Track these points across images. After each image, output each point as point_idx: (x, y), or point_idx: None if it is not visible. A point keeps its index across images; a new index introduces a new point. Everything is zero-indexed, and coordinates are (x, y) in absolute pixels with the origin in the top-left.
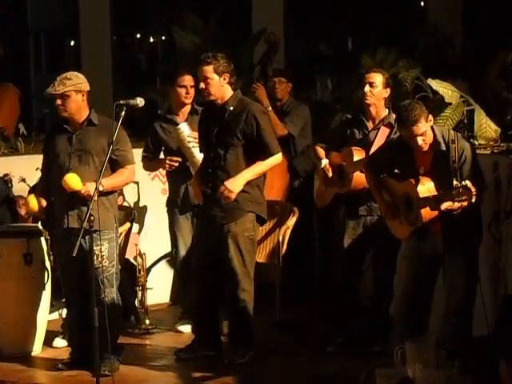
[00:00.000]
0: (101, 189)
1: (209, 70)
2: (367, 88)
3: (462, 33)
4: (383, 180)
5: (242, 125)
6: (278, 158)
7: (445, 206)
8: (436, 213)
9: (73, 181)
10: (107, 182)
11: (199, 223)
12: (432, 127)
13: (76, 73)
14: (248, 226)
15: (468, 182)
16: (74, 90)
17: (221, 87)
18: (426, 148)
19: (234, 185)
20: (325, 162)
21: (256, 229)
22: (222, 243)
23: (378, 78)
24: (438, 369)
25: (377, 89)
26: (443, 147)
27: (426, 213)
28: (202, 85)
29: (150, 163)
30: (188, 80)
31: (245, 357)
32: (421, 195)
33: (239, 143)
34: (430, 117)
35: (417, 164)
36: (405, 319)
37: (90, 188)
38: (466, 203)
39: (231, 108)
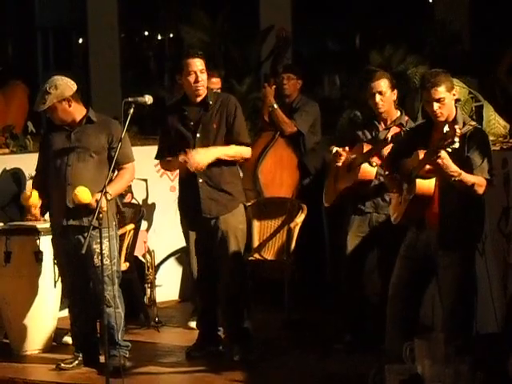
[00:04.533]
0: (109, 198)
1: (203, 63)
2: (378, 98)
3: (469, 29)
4: (399, 164)
5: (225, 115)
6: (248, 150)
7: (438, 157)
8: (431, 188)
9: (83, 195)
10: (114, 189)
11: (190, 220)
12: (457, 108)
13: (57, 79)
14: (241, 219)
15: (457, 126)
16: (57, 101)
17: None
18: (441, 118)
19: (203, 156)
20: (336, 148)
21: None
22: (217, 236)
23: (384, 84)
24: (448, 365)
25: (386, 95)
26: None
27: (421, 184)
28: (202, 77)
29: None
30: None
31: (253, 353)
32: None
33: (222, 132)
34: (455, 91)
35: (432, 141)
36: (394, 320)
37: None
38: (450, 148)
39: (210, 102)
